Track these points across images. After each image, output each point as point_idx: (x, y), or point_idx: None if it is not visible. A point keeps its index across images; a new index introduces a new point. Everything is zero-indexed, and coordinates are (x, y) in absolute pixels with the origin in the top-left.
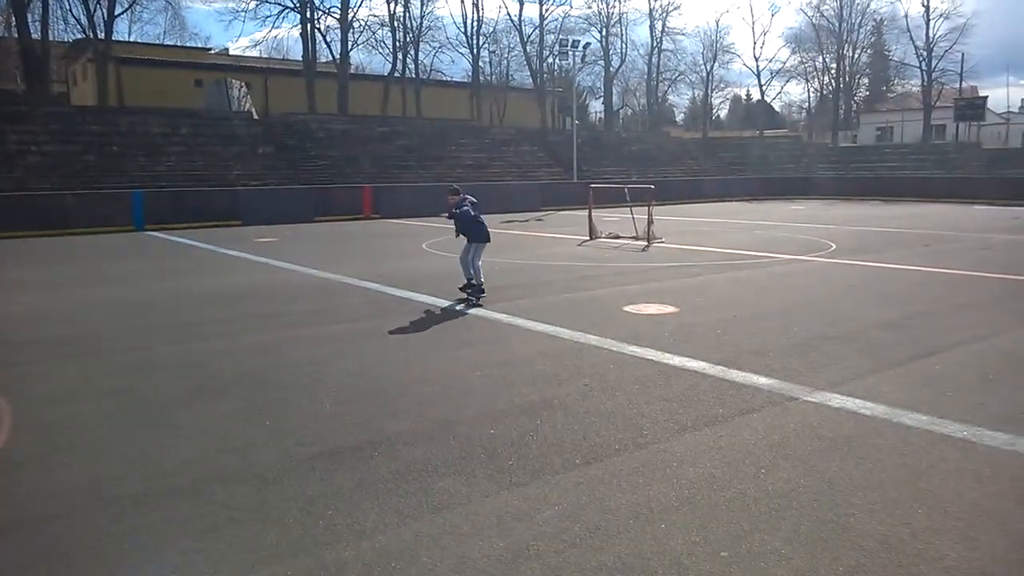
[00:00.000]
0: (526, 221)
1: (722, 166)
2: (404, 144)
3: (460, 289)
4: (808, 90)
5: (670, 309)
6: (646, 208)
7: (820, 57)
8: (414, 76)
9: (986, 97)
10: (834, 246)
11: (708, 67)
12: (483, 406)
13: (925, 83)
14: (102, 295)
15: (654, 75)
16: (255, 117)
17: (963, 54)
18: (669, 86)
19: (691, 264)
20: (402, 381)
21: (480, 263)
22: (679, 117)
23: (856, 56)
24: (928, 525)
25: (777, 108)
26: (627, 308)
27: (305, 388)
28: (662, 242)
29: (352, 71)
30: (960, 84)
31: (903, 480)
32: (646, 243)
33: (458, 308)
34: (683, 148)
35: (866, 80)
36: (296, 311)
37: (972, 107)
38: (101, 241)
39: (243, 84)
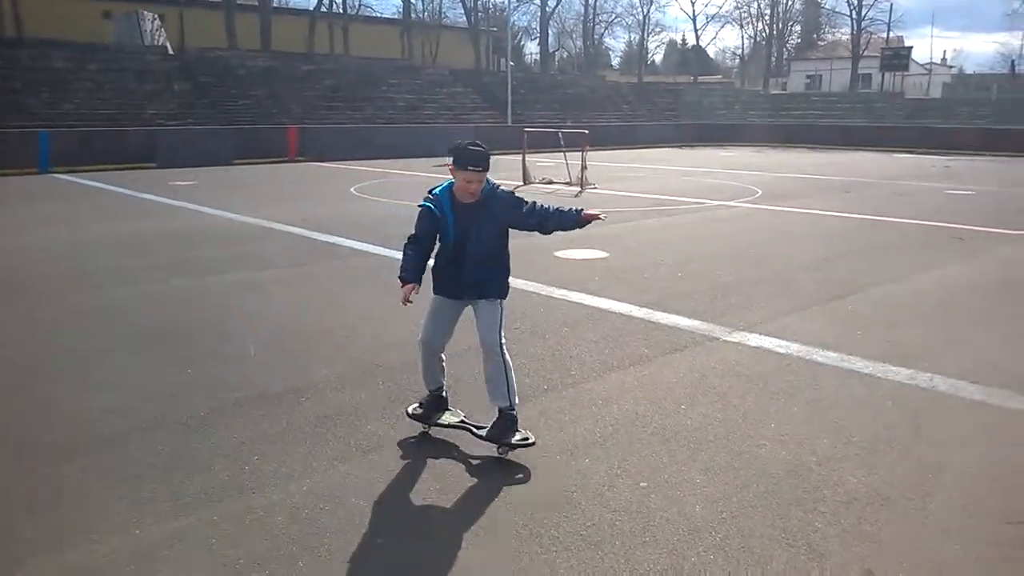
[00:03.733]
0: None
1: (656, 112)
2: (331, 83)
3: None
4: (742, 36)
5: (600, 254)
6: (580, 153)
7: (755, 3)
8: (341, 11)
9: (911, 48)
10: (760, 192)
11: (645, 10)
12: (412, 351)
13: (854, 32)
14: (7, 243)
15: (591, 17)
16: (170, 52)
17: (892, 4)
18: (605, 28)
19: (623, 210)
20: (328, 326)
21: None
22: (615, 61)
23: (790, 3)
24: (832, 454)
25: (712, 54)
26: (558, 253)
27: (229, 335)
28: (595, 188)
29: (275, 5)
30: (887, 34)
31: (812, 413)
32: (580, 189)
33: (383, 254)
34: (618, 93)
35: (798, 28)
36: (218, 257)
37: (897, 57)
38: (1, 185)
39: (156, 17)
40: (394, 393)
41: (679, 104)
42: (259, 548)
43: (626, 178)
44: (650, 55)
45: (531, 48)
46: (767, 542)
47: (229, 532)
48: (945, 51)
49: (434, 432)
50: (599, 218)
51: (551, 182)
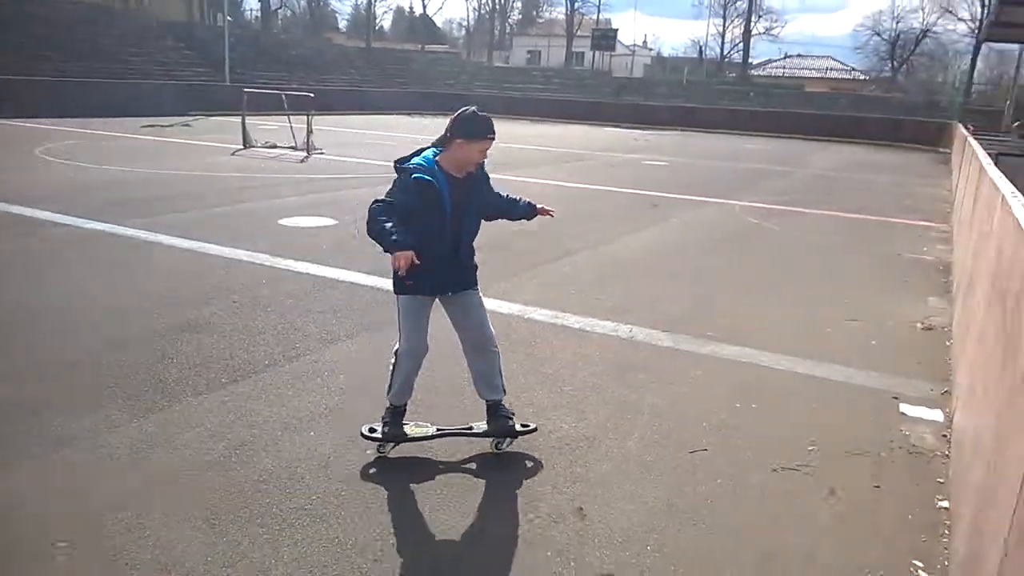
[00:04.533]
0: (171, 127)
1: (385, 78)
2: (23, 29)
3: None
4: (468, 8)
5: (328, 222)
6: (306, 117)
7: None
8: None
9: (617, 30)
10: (487, 161)
11: None
12: (112, 334)
13: (568, 12)
14: None
15: None
16: None
17: None
18: None
19: (352, 176)
20: (15, 312)
21: None
22: (342, 24)
23: None
24: (548, 403)
25: (439, 24)
26: (282, 221)
27: None
28: (323, 153)
29: None
30: (598, 15)
31: (530, 368)
32: (306, 154)
33: (86, 226)
34: (346, 57)
35: (519, 3)
36: None
37: (606, 38)
38: None
39: None
40: (91, 381)
41: (408, 71)
42: None
43: (356, 144)
44: (378, 20)
45: (251, 3)
46: (482, 495)
47: None
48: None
49: (127, 417)
50: (550, 214)
51: (275, 146)
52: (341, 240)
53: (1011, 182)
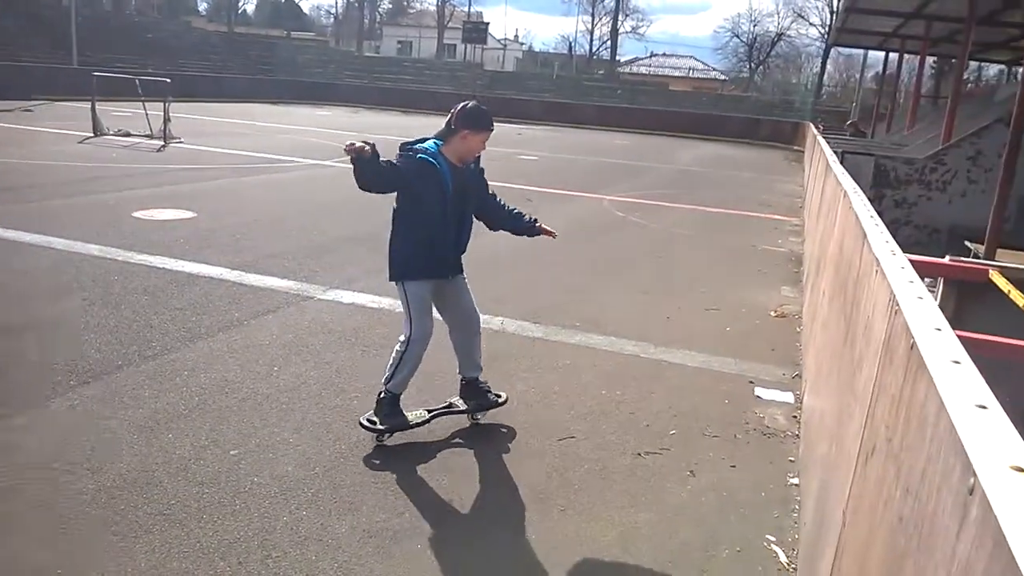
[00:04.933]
0: (11, 111)
1: (249, 65)
2: None
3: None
4: None
5: (186, 214)
6: (162, 104)
7: None
8: None
9: (488, 23)
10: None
11: None
12: None
13: (439, 3)
14: None
15: None
16: None
17: None
18: None
19: (213, 167)
20: None
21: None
22: (202, 7)
23: None
24: (419, 399)
25: (306, 10)
26: (137, 214)
27: None
28: (181, 142)
29: None
30: (469, 8)
31: None
32: (162, 142)
33: None
34: (206, 41)
35: None
36: None
37: (477, 31)
38: None
39: None
40: None
41: (274, 59)
42: None
43: (217, 133)
44: (241, 4)
45: None
46: (358, 489)
47: None
48: (517, 29)
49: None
50: (552, 235)
51: (128, 134)
52: (201, 233)
53: (854, 179)
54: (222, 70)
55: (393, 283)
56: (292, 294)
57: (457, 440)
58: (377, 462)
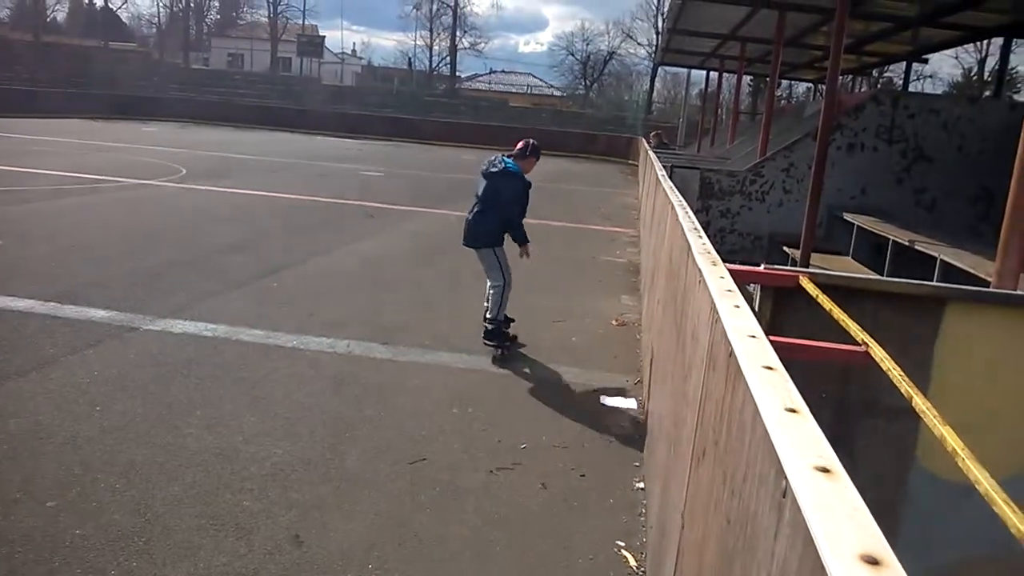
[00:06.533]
0: None
1: (62, 77)
2: None
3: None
4: (158, 4)
5: None
6: None
7: None
8: None
9: (324, 37)
10: (185, 171)
11: None
12: None
13: (271, 16)
14: None
15: None
16: None
17: None
18: None
19: (21, 188)
20: None
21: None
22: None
23: None
24: (260, 430)
25: (125, 19)
26: None
27: None
28: None
29: None
30: (303, 21)
31: (239, 393)
32: None
33: None
34: (10, 51)
35: (217, 3)
36: None
37: (312, 44)
38: None
39: None
40: None
41: (89, 71)
42: None
43: (27, 153)
44: (51, 11)
45: None
46: (195, 533)
47: None
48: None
49: None
50: (527, 256)
51: None
52: (7, 263)
53: (683, 191)
54: (30, 83)
55: (222, 311)
56: (115, 325)
57: (303, 471)
58: (216, 502)
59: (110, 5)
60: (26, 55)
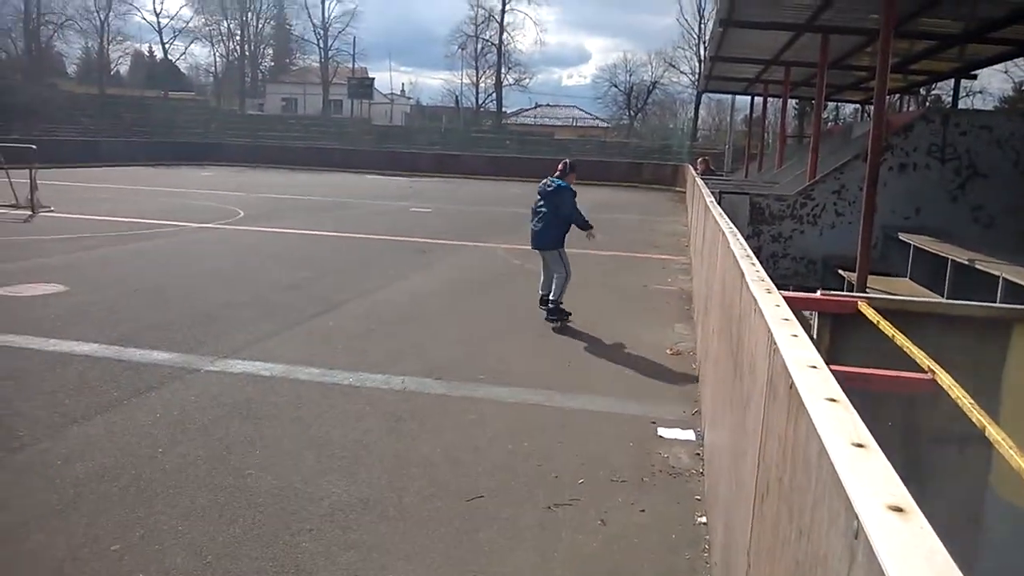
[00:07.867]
0: None
1: (124, 127)
2: None
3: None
4: (215, 54)
5: (57, 288)
6: (28, 171)
7: (224, 22)
8: None
9: (373, 79)
10: (243, 213)
11: (102, 16)
12: None
13: (322, 60)
14: None
15: (34, 16)
16: None
17: (355, 37)
18: (55, 31)
19: (88, 235)
20: None
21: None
22: (71, 69)
23: (260, 26)
24: (318, 469)
25: (183, 69)
26: (1, 290)
27: None
28: (51, 211)
29: None
30: (353, 64)
31: (296, 432)
32: (30, 212)
33: None
34: (76, 104)
35: (271, 51)
36: None
37: (362, 86)
38: None
39: None
40: None
41: (150, 120)
42: None
43: (91, 200)
44: (114, 65)
45: None
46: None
47: None
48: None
49: None
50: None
51: None
52: (74, 308)
53: (732, 217)
54: (95, 133)
55: (279, 351)
56: (177, 367)
57: (361, 511)
58: (276, 543)
59: (169, 57)
60: (91, 107)
